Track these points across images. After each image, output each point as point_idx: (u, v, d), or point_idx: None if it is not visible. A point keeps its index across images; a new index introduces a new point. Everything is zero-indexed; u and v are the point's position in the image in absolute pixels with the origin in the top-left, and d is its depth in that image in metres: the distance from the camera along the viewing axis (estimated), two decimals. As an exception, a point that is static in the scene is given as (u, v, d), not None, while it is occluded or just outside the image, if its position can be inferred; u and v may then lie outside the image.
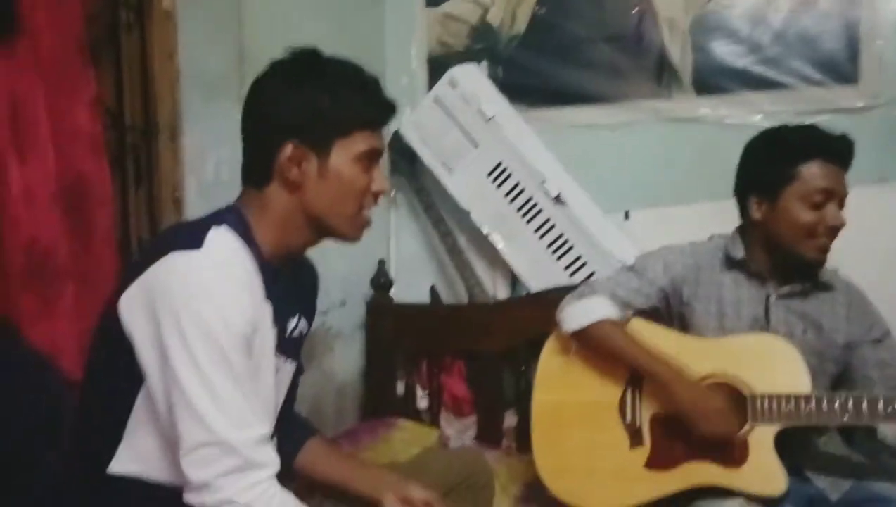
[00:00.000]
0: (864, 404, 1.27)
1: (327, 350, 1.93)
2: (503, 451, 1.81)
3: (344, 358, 1.97)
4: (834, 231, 1.40)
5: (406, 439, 1.71)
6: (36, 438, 1.17)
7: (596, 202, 2.03)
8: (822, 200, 1.39)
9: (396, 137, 2.10)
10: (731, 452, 1.35)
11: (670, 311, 1.55)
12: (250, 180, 1.08)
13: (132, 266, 1.00)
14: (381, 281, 1.96)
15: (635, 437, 1.46)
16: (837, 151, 1.41)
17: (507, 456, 1.76)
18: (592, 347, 1.50)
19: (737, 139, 1.54)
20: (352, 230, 1.09)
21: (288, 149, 1.02)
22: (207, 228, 0.99)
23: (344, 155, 1.04)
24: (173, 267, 0.95)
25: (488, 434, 1.86)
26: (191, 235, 0.98)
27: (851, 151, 1.42)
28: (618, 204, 2.08)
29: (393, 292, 2.00)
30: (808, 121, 1.56)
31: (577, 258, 2.00)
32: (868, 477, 1.39)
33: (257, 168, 1.06)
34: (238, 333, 0.95)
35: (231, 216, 1.03)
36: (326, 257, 1.23)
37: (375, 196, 1.10)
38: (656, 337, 1.48)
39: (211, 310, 0.93)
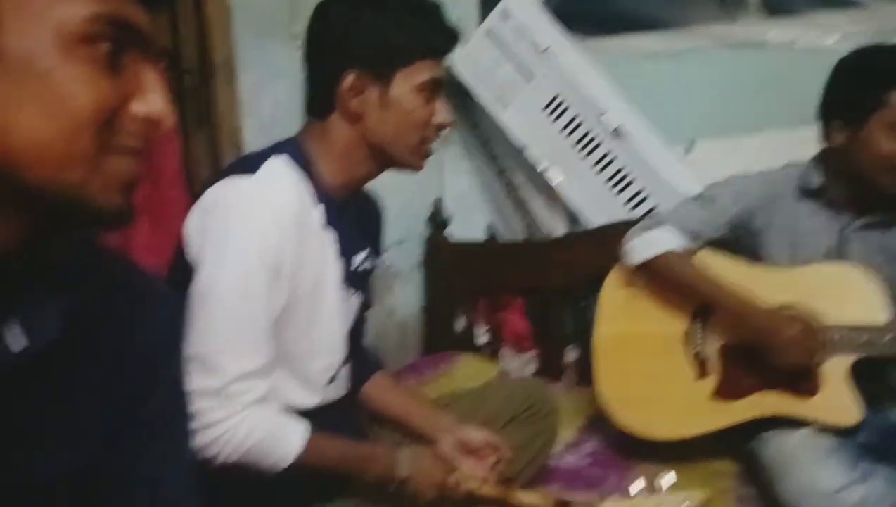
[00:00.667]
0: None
1: (387, 288, 1.98)
2: (564, 384, 1.85)
3: (404, 296, 2.02)
4: None
5: (467, 373, 1.77)
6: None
7: (657, 134, 1.99)
8: None
9: (448, 73, 2.09)
10: (803, 382, 1.36)
11: (740, 242, 1.54)
12: (312, 111, 1.09)
13: (197, 195, 1.04)
14: (438, 219, 1.99)
15: (702, 367, 1.48)
16: None
17: (568, 390, 1.81)
18: (658, 279, 1.51)
19: (807, 65, 1.49)
20: (414, 160, 1.10)
21: (349, 78, 1.03)
22: (266, 158, 1.02)
23: (405, 85, 1.05)
24: (225, 189, 1.00)
25: (549, 369, 1.90)
26: (250, 162, 1.02)
27: None
28: (680, 135, 2.04)
29: (450, 231, 2.02)
30: (888, 42, 1.49)
31: (638, 192, 1.98)
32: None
33: (319, 98, 1.07)
34: (268, 261, 0.97)
35: (291, 147, 1.05)
36: (382, 195, 1.25)
37: (438, 128, 1.10)
38: (725, 268, 1.48)
39: (246, 233, 0.96)
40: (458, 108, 2.12)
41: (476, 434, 1.20)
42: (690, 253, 1.49)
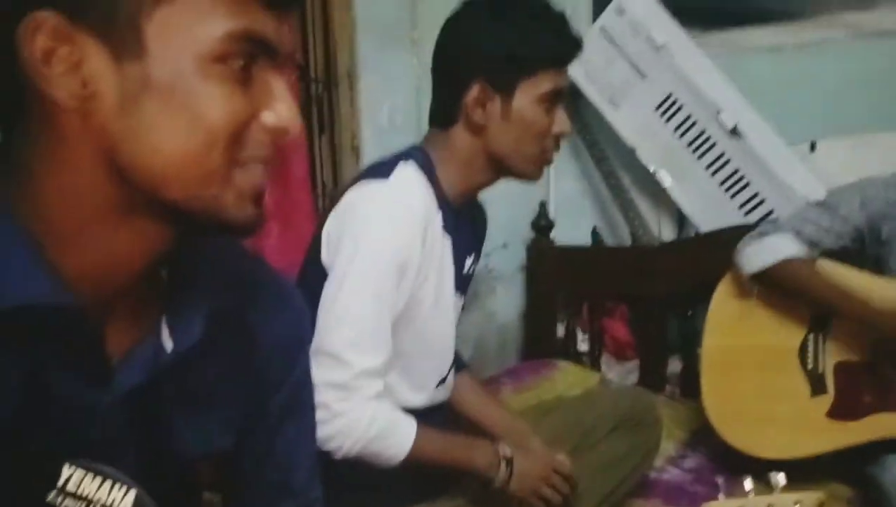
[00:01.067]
0: None
1: (489, 291, 2.02)
2: (667, 396, 1.81)
3: (505, 299, 2.05)
4: None
5: (568, 380, 1.77)
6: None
7: (778, 133, 1.90)
8: None
9: (564, 75, 2.10)
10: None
11: (864, 251, 1.46)
12: (436, 121, 1.15)
13: (332, 200, 1.13)
14: (542, 223, 2.00)
15: (817, 384, 1.42)
16: None
17: (671, 401, 1.76)
18: (776, 289, 1.45)
19: None
20: (533, 170, 1.14)
21: (474, 90, 1.07)
22: (396, 163, 1.09)
23: (528, 96, 1.08)
24: (361, 193, 1.07)
25: (651, 379, 1.86)
26: (382, 168, 1.10)
27: None
28: (803, 135, 1.95)
29: (554, 234, 2.03)
30: None
31: (754, 196, 1.91)
32: None
33: (444, 109, 1.12)
34: (398, 261, 1.03)
35: (419, 154, 1.11)
36: (488, 199, 1.29)
37: (557, 138, 1.13)
38: (846, 280, 1.41)
39: (383, 234, 1.03)
40: (568, 108, 2.12)
41: (539, 447, 1.20)
42: (811, 262, 1.43)
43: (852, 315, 1.38)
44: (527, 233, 2.03)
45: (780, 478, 0.96)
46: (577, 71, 2.07)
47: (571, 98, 2.08)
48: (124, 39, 0.49)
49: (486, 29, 1.08)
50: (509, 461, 1.12)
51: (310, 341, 0.75)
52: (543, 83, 1.08)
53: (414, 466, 1.08)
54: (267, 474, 0.71)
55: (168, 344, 0.58)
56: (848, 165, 1.72)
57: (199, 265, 0.61)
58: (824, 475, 1.39)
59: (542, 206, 2.02)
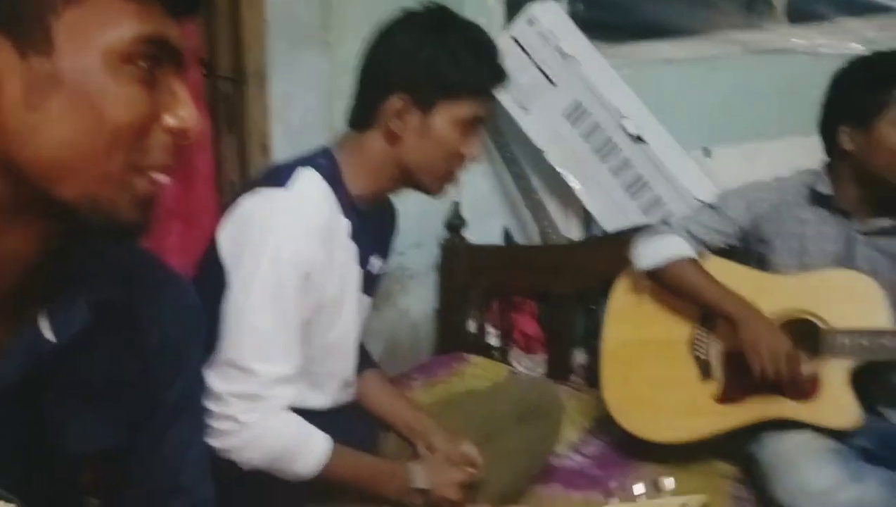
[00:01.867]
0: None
1: (403, 289, 2.07)
2: (572, 387, 1.91)
3: (418, 297, 2.11)
4: None
5: (477, 373, 1.84)
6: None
7: (676, 140, 2.05)
8: None
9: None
10: (802, 386, 1.41)
11: (748, 249, 1.60)
12: (354, 123, 1.17)
13: (231, 202, 1.13)
14: (455, 222, 2.08)
15: (706, 372, 1.54)
16: None
17: (576, 392, 1.87)
18: (666, 285, 1.57)
19: (831, 70, 1.53)
20: (437, 188, 1.18)
21: (395, 101, 1.10)
22: (295, 169, 1.10)
23: (447, 117, 1.11)
24: (258, 201, 1.08)
25: (558, 371, 1.96)
26: (280, 175, 1.11)
27: None
28: (699, 141, 2.08)
29: (466, 233, 2.10)
30: None
31: (655, 198, 2.04)
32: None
33: (363, 113, 1.15)
34: (300, 272, 1.05)
35: (322, 159, 1.13)
36: (402, 199, 1.32)
37: (465, 160, 1.16)
38: (732, 276, 1.54)
39: (281, 245, 1.04)
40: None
41: (446, 444, 1.24)
42: (700, 260, 1.55)
43: (720, 314, 1.50)
44: (440, 232, 2.10)
45: (668, 482, 1.05)
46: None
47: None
48: (32, 36, 0.50)
49: (420, 45, 1.11)
50: (422, 492, 1.16)
51: (202, 337, 0.75)
52: (464, 108, 1.12)
53: (322, 482, 1.09)
54: (156, 472, 0.71)
55: (49, 336, 0.57)
56: (739, 170, 1.85)
57: (84, 257, 0.61)
58: (711, 455, 1.53)
59: (455, 205, 2.09)
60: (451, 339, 2.04)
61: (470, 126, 1.14)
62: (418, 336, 2.12)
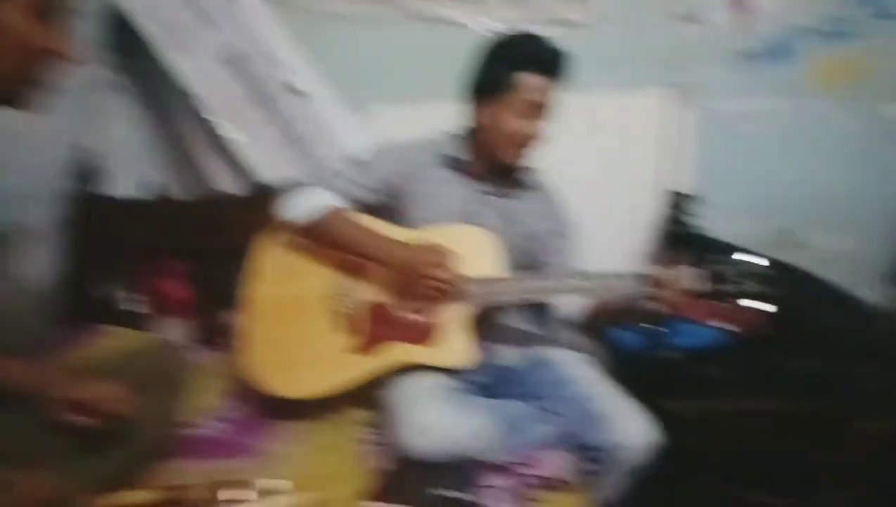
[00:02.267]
0: (545, 284, 1.52)
1: (22, 252, 1.79)
2: (219, 348, 1.85)
3: (43, 261, 1.84)
4: (530, 139, 1.60)
5: (113, 347, 1.68)
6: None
7: (337, 96, 2.05)
8: (531, 112, 1.56)
9: (112, 8, 1.92)
10: (427, 332, 1.53)
11: (392, 205, 1.67)
12: None
13: None
14: (88, 174, 1.84)
15: (343, 324, 1.58)
16: (553, 64, 1.57)
17: (220, 355, 1.82)
18: (316, 237, 1.58)
19: (476, 44, 1.65)
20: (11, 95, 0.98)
21: None
22: None
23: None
24: None
25: (208, 335, 1.88)
26: None
27: (563, 65, 1.58)
28: (359, 99, 2.12)
29: (105, 186, 1.89)
30: (542, 32, 1.71)
31: (313, 153, 2.03)
32: (543, 344, 1.67)
33: None
34: None
35: None
36: (13, 145, 1.11)
37: (45, 55, 0.98)
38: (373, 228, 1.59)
39: None
40: (122, 49, 1.97)
41: (79, 391, 1.16)
42: (343, 212, 1.58)
43: (375, 256, 1.56)
44: (69, 184, 1.85)
45: (282, 485, 1.08)
46: (137, 9, 1.93)
47: (129, 38, 1.94)
48: None
49: None
50: None
51: None
52: None
53: None
54: None
55: None
56: (396, 129, 1.93)
57: None
58: (349, 403, 1.59)
59: (88, 154, 1.85)
60: (84, 309, 1.82)
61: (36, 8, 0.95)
62: (42, 308, 1.86)
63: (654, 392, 1.61)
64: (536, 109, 1.57)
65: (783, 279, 1.43)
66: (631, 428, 1.45)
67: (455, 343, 1.52)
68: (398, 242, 1.55)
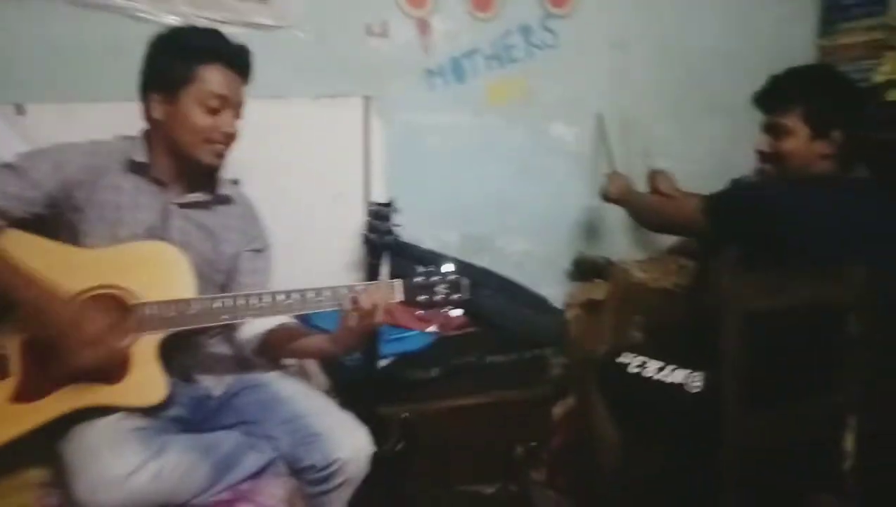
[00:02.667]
0: (242, 302, 1.38)
1: None
2: None
3: None
4: (228, 138, 1.49)
5: None
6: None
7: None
8: (219, 105, 1.46)
9: None
10: (111, 368, 1.33)
11: (59, 219, 1.44)
12: None
13: None
14: None
15: (1, 369, 1.31)
16: (237, 59, 1.49)
17: None
18: None
19: (150, 35, 1.47)
20: None
21: None
22: None
23: None
24: None
25: None
26: None
27: (250, 61, 1.52)
28: (10, 95, 1.84)
29: None
30: (223, 29, 1.60)
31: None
32: (247, 369, 1.56)
33: None
34: None
35: None
36: None
37: None
38: (35, 251, 1.36)
39: None
40: None
41: None
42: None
43: (13, 301, 1.31)
44: None
45: None
46: None
47: None
48: None
49: None
50: None
51: None
52: None
53: None
54: None
55: None
56: (59, 130, 1.66)
57: None
58: (20, 462, 1.33)
59: None
60: None
61: None
62: None
63: (371, 400, 1.61)
64: (224, 104, 1.47)
65: (478, 282, 1.53)
66: (348, 441, 1.42)
67: (142, 377, 1.34)
68: (51, 296, 1.31)
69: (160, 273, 1.39)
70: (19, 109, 1.84)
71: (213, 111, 1.46)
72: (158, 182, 1.49)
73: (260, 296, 1.38)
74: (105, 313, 1.35)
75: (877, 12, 2.31)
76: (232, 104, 1.49)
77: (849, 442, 1.42)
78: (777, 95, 1.69)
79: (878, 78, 2.11)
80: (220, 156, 1.51)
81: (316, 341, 1.50)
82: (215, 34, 1.51)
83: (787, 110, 1.65)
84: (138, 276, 1.37)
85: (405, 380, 1.95)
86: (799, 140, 1.64)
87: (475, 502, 1.99)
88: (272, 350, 1.53)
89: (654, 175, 2.16)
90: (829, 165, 1.63)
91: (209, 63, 1.45)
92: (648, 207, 1.98)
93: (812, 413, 1.43)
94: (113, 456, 1.23)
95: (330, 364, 1.92)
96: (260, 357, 1.55)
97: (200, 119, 1.45)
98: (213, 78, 1.46)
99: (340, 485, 1.41)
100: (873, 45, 2.28)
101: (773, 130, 1.68)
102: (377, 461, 1.46)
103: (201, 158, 1.48)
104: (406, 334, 2.01)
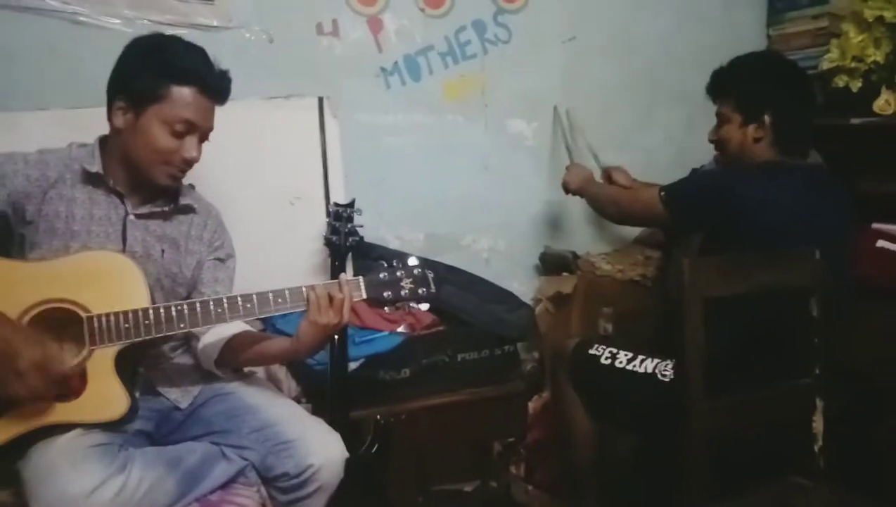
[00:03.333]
0: (198, 310, 1.33)
1: None
2: None
3: None
4: (188, 164, 1.43)
5: None
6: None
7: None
8: (185, 130, 1.39)
9: None
10: (69, 384, 1.28)
11: (10, 232, 1.40)
12: None
13: None
14: None
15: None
16: (215, 85, 1.42)
17: None
18: None
19: (93, 41, 1.42)
20: None
21: None
22: None
23: None
24: None
25: None
26: None
27: (229, 88, 1.45)
28: None
29: None
30: (168, 32, 1.55)
31: None
32: (214, 379, 1.52)
33: None
34: None
35: None
36: None
37: None
38: None
39: None
40: None
41: None
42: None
43: None
44: None
45: None
46: None
47: None
48: None
49: None
50: None
51: None
52: None
53: None
54: None
55: None
56: (1, 140, 1.61)
57: None
58: None
59: None
60: None
61: None
62: None
63: (342, 404, 1.58)
64: (190, 129, 1.39)
65: (444, 280, 1.52)
66: (321, 447, 1.40)
67: (101, 392, 1.29)
68: None
69: (112, 284, 1.34)
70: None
71: (178, 135, 1.38)
72: (115, 192, 1.44)
73: (219, 301, 1.34)
74: (55, 329, 1.29)
75: (821, 0, 2.38)
76: (199, 129, 1.41)
77: (818, 423, 1.44)
78: (717, 85, 1.78)
79: (825, 65, 2.16)
80: (176, 179, 1.45)
81: (279, 343, 1.46)
82: (199, 54, 1.42)
83: (725, 98, 1.74)
84: (89, 288, 1.32)
85: (376, 382, 1.92)
86: (733, 126, 1.72)
87: (455, 500, 1.98)
88: (235, 358, 1.47)
89: (609, 171, 2.18)
90: (764, 150, 1.68)
91: (184, 84, 1.37)
92: (608, 198, 2.00)
93: (779, 396, 1.45)
94: (74, 474, 1.18)
95: (299, 370, 1.89)
96: (222, 367, 1.49)
97: (163, 141, 1.38)
98: (185, 100, 1.37)
99: (315, 492, 1.38)
100: (820, 34, 2.35)
101: (718, 118, 1.78)
102: (352, 465, 1.43)
103: (156, 178, 1.42)
104: (375, 336, 1.99)
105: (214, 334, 1.45)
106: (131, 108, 1.38)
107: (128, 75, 1.39)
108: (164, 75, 1.37)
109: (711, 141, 1.81)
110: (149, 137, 1.37)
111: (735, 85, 1.72)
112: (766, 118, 1.66)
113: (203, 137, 1.44)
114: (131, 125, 1.38)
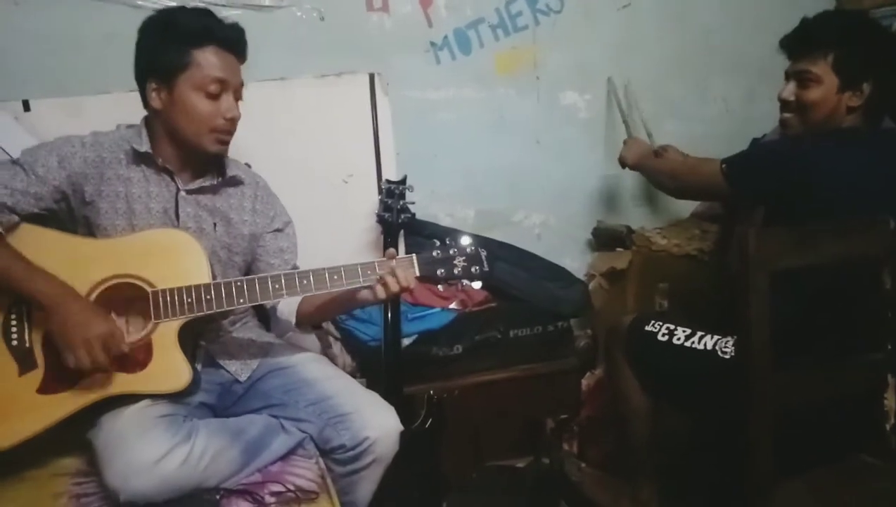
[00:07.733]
0: (257, 286, 1.38)
1: None
2: None
3: None
4: (231, 123, 1.47)
5: None
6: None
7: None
8: (218, 89, 1.43)
9: None
10: (134, 356, 1.35)
11: (73, 213, 1.45)
12: None
13: None
14: None
15: (25, 361, 1.34)
16: (231, 38, 1.45)
17: None
18: None
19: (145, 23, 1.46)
20: None
21: None
22: None
23: None
24: None
25: None
26: None
27: (244, 39, 1.48)
28: (15, 92, 1.85)
29: None
30: (222, 13, 1.58)
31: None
32: (272, 354, 1.56)
33: None
34: None
35: None
36: None
37: None
38: (48, 245, 1.37)
39: None
40: None
41: None
42: (7, 230, 1.33)
43: (28, 299, 1.33)
44: None
45: None
46: None
47: None
48: None
49: None
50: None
51: None
52: None
53: None
54: None
55: None
56: (63, 125, 1.67)
57: None
58: (53, 451, 1.36)
59: None
60: None
61: None
62: None
63: (396, 380, 1.61)
64: (223, 87, 1.44)
65: (497, 257, 1.51)
66: (377, 420, 1.43)
67: (165, 364, 1.36)
68: (65, 291, 1.31)
69: (175, 261, 1.40)
70: (25, 106, 1.86)
71: (213, 96, 1.43)
72: (165, 171, 1.49)
73: (276, 277, 1.38)
74: (122, 303, 1.36)
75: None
76: (231, 87, 1.45)
77: (890, 401, 1.39)
78: (807, 40, 1.59)
79: (904, 25, 2.06)
80: (225, 143, 1.49)
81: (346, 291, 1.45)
82: (205, 13, 1.47)
83: (817, 57, 1.56)
84: (154, 264, 1.38)
85: (429, 358, 1.95)
86: (826, 90, 1.55)
87: (508, 476, 2.01)
88: (313, 314, 1.53)
89: (660, 151, 2.14)
90: (854, 119, 1.57)
91: (203, 45, 1.42)
92: (668, 172, 1.96)
93: (849, 372, 1.40)
94: (141, 443, 1.25)
95: (353, 346, 1.93)
96: (302, 326, 1.54)
97: (201, 106, 1.42)
98: (209, 61, 1.42)
99: (371, 464, 1.42)
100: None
101: (800, 77, 1.59)
102: (407, 439, 1.47)
103: (206, 147, 1.46)
104: (427, 313, 2.02)
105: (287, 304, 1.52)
106: (164, 85, 1.43)
107: (150, 56, 1.44)
108: (182, 43, 1.42)
109: (786, 101, 1.63)
110: (187, 106, 1.42)
111: (836, 44, 1.54)
112: (866, 86, 1.53)
113: (237, 96, 1.48)
114: (168, 102, 1.43)
